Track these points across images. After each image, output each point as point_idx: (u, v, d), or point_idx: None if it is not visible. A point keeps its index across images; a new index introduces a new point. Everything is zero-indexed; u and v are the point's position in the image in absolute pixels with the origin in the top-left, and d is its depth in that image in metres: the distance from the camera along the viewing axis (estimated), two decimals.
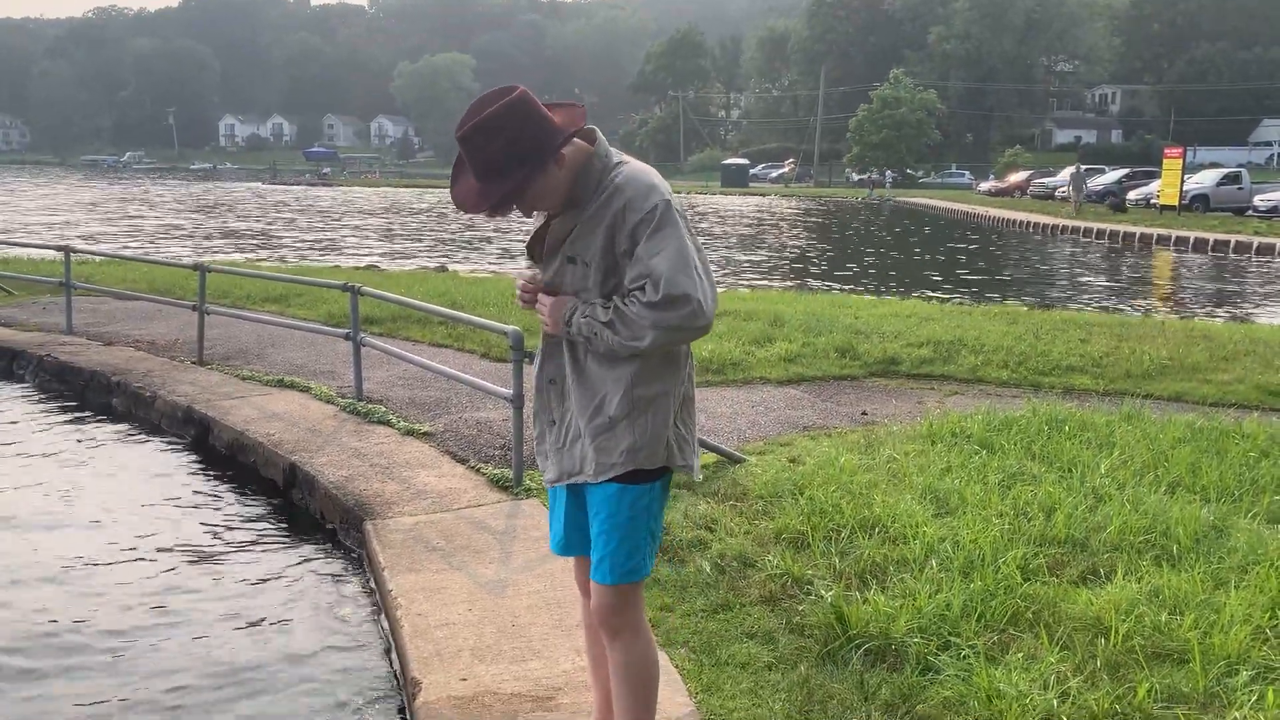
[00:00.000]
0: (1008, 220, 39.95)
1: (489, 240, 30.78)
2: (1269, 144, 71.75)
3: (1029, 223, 37.72)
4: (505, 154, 2.47)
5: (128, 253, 20.71)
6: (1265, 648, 3.48)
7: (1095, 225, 33.47)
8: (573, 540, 2.83)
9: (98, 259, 15.91)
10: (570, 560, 2.97)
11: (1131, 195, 40.70)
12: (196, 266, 9.25)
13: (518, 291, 2.76)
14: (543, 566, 4.44)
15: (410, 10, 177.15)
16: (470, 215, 2.59)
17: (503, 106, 2.46)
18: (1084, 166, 43.20)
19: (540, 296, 2.67)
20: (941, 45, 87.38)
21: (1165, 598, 3.83)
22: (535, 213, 2.69)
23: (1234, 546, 4.32)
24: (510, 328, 5.60)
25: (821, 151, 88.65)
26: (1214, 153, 63.67)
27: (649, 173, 2.60)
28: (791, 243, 31.89)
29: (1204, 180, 39.53)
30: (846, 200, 61.94)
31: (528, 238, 2.79)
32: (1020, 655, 3.44)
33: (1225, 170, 41.55)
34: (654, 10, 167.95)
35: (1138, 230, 31.15)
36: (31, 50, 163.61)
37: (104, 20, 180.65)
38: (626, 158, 2.64)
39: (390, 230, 34.49)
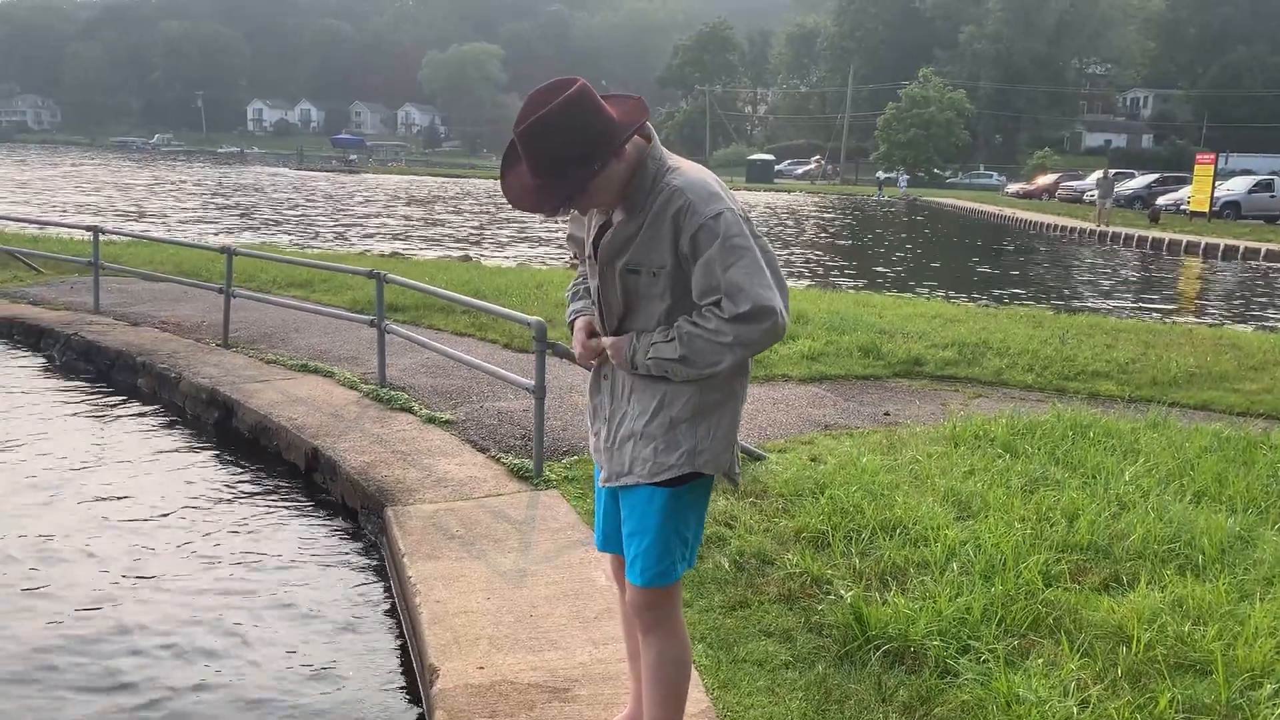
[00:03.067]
0: (1035, 223, 39.67)
1: (516, 231, 30.83)
2: None
3: (1056, 225, 37.44)
4: (567, 151, 2.36)
5: (155, 234, 20.85)
6: None
7: (1123, 230, 33.15)
8: (612, 537, 2.82)
9: (125, 239, 16.03)
10: (605, 556, 2.95)
11: (1161, 200, 40.30)
12: (224, 250, 9.30)
13: (577, 350, 2.71)
14: (561, 557, 4.44)
15: None
16: (523, 211, 2.51)
17: (564, 101, 2.35)
18: (1113, 171, 42.44)
19: (604, 340, 2.63)
20: (972, 45, 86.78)
21: (1189, 608, 3.79)
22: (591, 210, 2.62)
23: (1260, 558, 4.28)
24: (534, 319, 5.60)
25: (848, 149, 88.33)
26: (1246, 159, 62.97)
27: (707, 179, 2.51)
28: (816, 239, 31.79)
29: (1235, 187, 39.13)
30: (862, 198, 61.68)
31: (571, 226, 2.73)
32: (1040, 661, 3.41)
33: (1258, 177, 41.11)
34: (682, 3, 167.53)
35: (1166, 236, 30.85)
36: (63, 31, 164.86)
37: (135, 2, 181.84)
38: (680, 160, 2.56)
39: (415, 218, 34.59)
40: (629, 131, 2.43)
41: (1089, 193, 49.24)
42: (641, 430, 2.59)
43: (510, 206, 2.57)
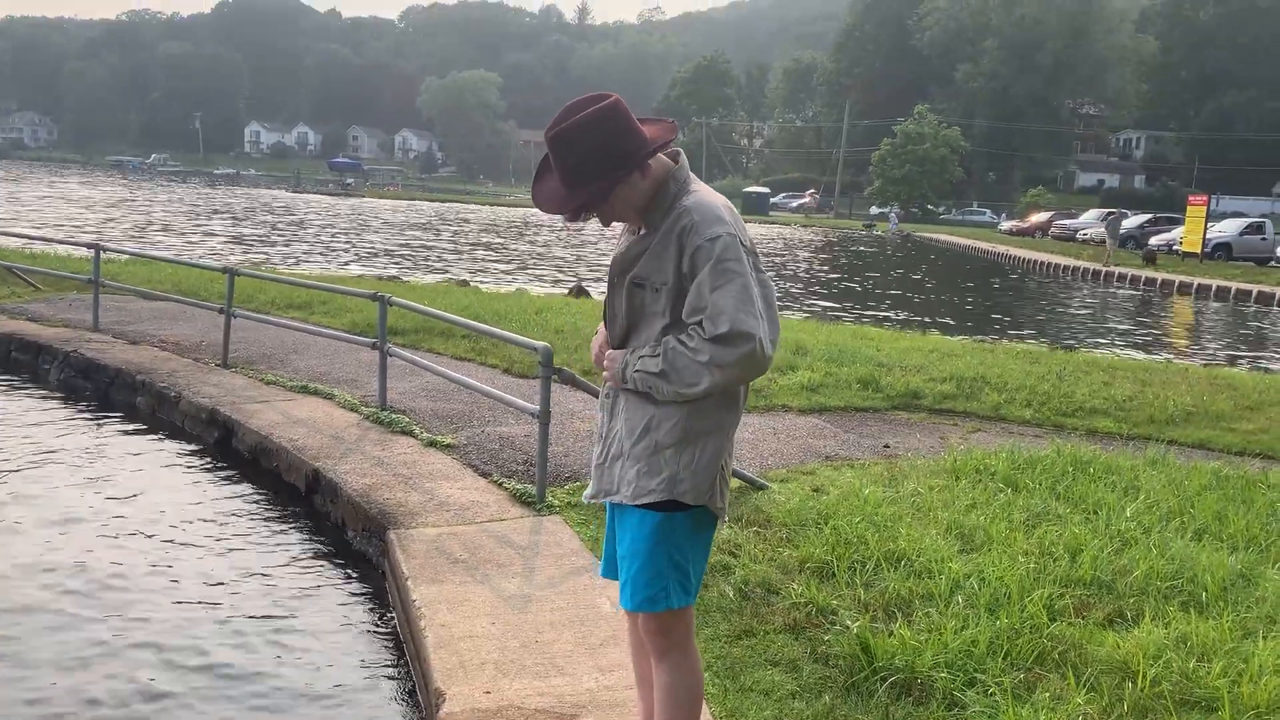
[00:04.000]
0: (1028, 260, 39.91)
1: (514, 258, 30.91)
2: None
3: (1050, 264, 37.67)
4: (593, 160, 2.45)
5: (154, 252, 20.84)
6: None
7: (1116, 270, 33.40)
8: (614, 564, 2.82)
9: (125, 257, 16.03)
10: (612, 581, 2.96)
11: (1153, 241, 40.59)
12: (226, 269, 9.31)
13: (593, 352, 2.77)
14: (566, 583, 4.44)
15: (439, 27, 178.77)
16: (552, 218, 2.62)
17: (595, 112, 2.45)
18: (1117, 211, 42.48)
19: (609, 352, 2.68)
20: (968, 83, 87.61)
21: (1193, 644, 3.80)
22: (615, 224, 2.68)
23: (1262, 596, 4.29)
24: (540, 344, 5.62)
25: (843, 183, 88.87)
26: (1237, 202, 63.59)
27: (718, 203, 2.56)
28: (813, 271, 31.93)
29: (1227, 229, 39.46)
30: (850, 232, 62.00)
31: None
32: (1047, 695, 3.42)
33: (1249, 220, 41.45)
34: (681, 36, 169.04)
35: (1160, 276, 31.08)
36: (64, 49, 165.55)
37: (137, 22, 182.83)
38: (701, 185, 2.61)
39: (412, 243, 34.65)
40: (654, 148, 2.50)
41: (1082, 231, 49.65)
42: (628, 451, 2.62)
43: (545, 213, 2.62)
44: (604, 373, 2.68)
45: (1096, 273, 33.93)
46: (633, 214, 2.57)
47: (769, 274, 2.64)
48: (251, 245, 29.07)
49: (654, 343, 2.56)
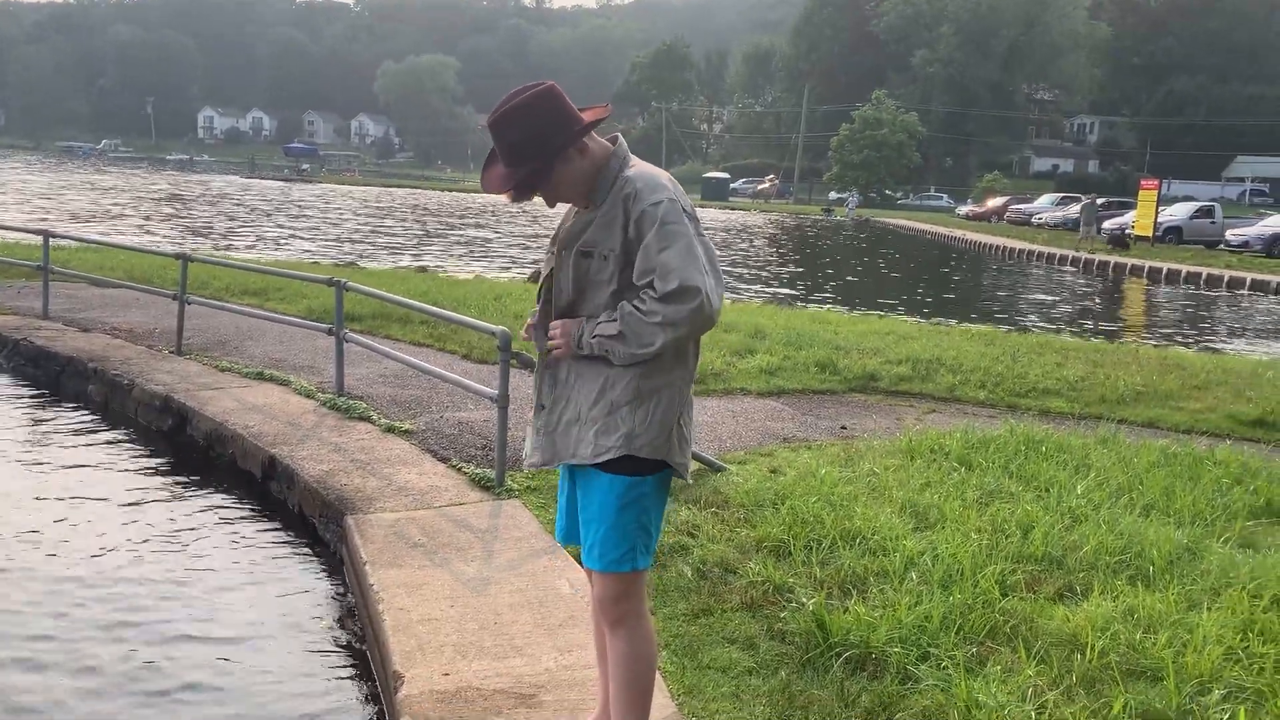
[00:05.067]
0: (984, 245, 40.32)
1: (471, 242, 30.74)
2: (1241, 180, 72.80)
3: (1004, 248, 38.09)
4: (529, 139, 2.58)
5: (106, 238, 20.48)
6: (1237, 668, 3.53)
7: (1069, 253, 33.83)
8: (573, 529, 2.89)
9: (75, 244, 15.75)
10: (570, 562, 2.99)
11: (1106, 225, 41.09)
12: (179, 256, 9.19)
13: (526, 326, 2.85)
14: (525, 566, 4.45)
15: (396, 11, 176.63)
16: (512, 207, 2.71)
17: (531, 95, 2.60)
18: (1086, 198, 41.89)
19: (552, 324, 2.74)
20: (925, 68, 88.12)
21: (1140, 617, 3.89)
22: (559, 204, 2.77)
23: (1207, 569, 4.40)
24: (499, 328, 5.61)
25: (802, 169, 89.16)
26: (1188, 186, 64.60)
27: (658, 172, 2.70)
28: (768, 257, 32.06)
29: (1177, 213, 40.08)
30: (809, 217, 62.22)
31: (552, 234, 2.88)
32: (998, 668, 3.48)
33: (1199, 204, 42.13)
34: (640, 21, 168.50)
35: (1111, 259, 31.52)
36: (10, 34, 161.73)
37: (85, 6, 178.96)
38: (641, 162, 2.74)
39: (368, 229, 34.35)
40: (588, 125, 2.63)
41: (1036, 216, 50.21)
42: (586, 415, 2.70)
43: (489, 194, 2.72)
44: (551, 342, 2.73)
45: (1049, 255, 34.34)
46: (576, 194, 2.70)
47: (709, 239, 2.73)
48: (205, 234, 28.66)
49: (609, 309, 2.65)
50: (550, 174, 2.61)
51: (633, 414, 2.65)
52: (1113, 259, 31.45)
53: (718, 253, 2.71)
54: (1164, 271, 29.01)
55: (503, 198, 2.68)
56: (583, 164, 2.65)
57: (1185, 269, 28.78)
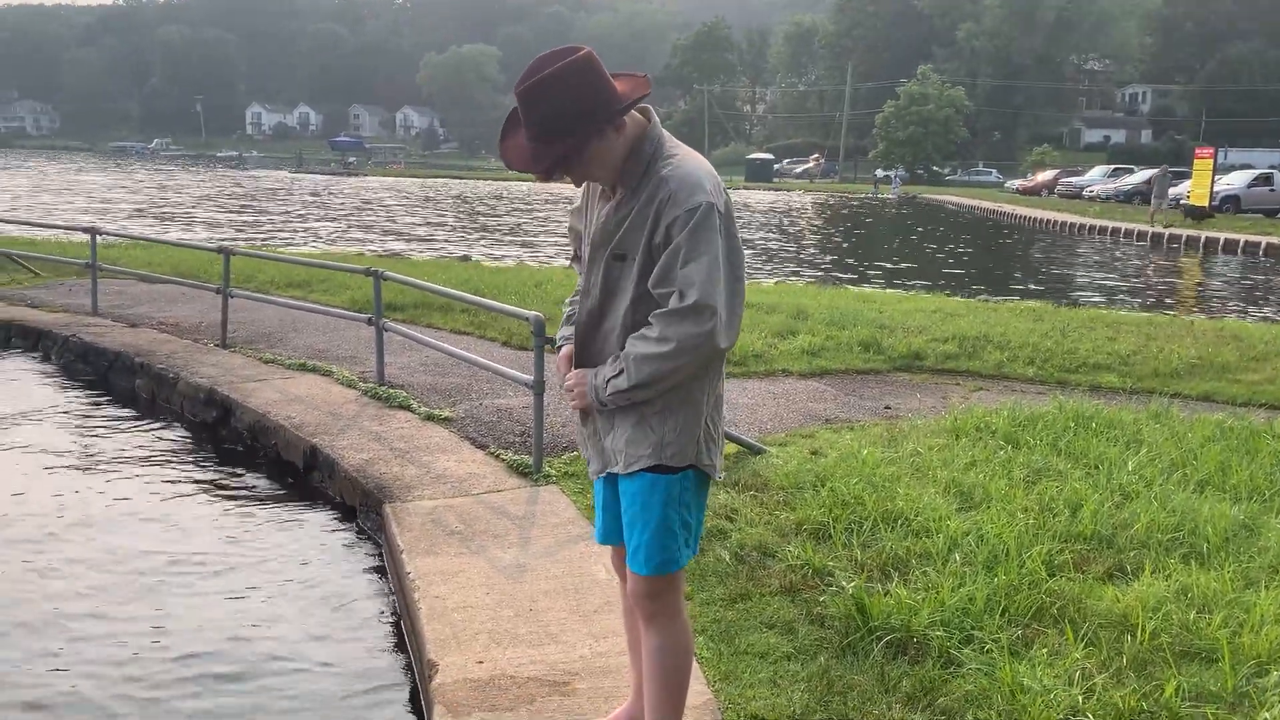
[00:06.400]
0: (1035, 219, 39.61)
1: (514, 230, 30.83)
2: None
3: (1057, 221, 37.40)
4: (565, 113, 2.37)
5: (156, 235, 20.82)
6: None
7: (1124, 225, 33.11)
8: (611, 529, 2.79)
9: (123, 242, 16.00)
10: (605, 548, 2.93)
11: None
12: (221, 250, 9.27)
13: (559, 370, 2.75)
14: (561, 552, 4.41)
15: (437, 2, 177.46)
16: (524, 175, 2.52)
17: (567, 64, 2.37)
18: (1115, 167, 40.64)
19: (568, 375, 2.65)
20: (970, 42, 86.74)
21: (1194, 596, 3.76)
22: (591, 187, 2.62)
23: (1264, 546, 4.25)
24: (532, 313, 5.57)
25: (847, 147, 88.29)
26: (1245, 154, 62.92)
27: (700, 169, 2.48)
28: (815, 235, 31.79)
29: (1235, 181, 39.00)
30: (856, 196, 61.42)
31: (571, 218, 2.74)
32: (1044, 651, 3.38)
33: (1257, 171, 40.99)
34: (680, 3, 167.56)
35: (1167, 231, 30.79)
36: (62, 37, 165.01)
37: (133, 7, 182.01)
38: (681, 148, 2.54)
39: (416, 219, 34.57)
40: (629, 103, 2.43)
41: (1088, 189, 49.19)
42: (618, 424, 2.60)
43: (513, 170, 2.56)
44: (573, 389, 2.63)
45: (1103, 228, 33.63)
46: (607, 173, 2.50)
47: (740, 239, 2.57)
48: (257, 227, 29.03)
49: (613, 358, 2.52)
50: (586, 152, 2.40)
51: (663, 422, 2.54)
52: (1168, 230, 30.67)
53: (745, 258, 2.54)
54: (1220, 241, 28.22)
55: (530, 177, 2.55)
56: (618, 142, 2.44)
57: (1243, 238, 27.84)
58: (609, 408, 2.56)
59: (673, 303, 2.40)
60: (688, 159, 2.50)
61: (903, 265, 23.91)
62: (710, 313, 2.38)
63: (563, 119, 2.37)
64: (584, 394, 2.58)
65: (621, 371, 2.48)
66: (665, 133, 2.55)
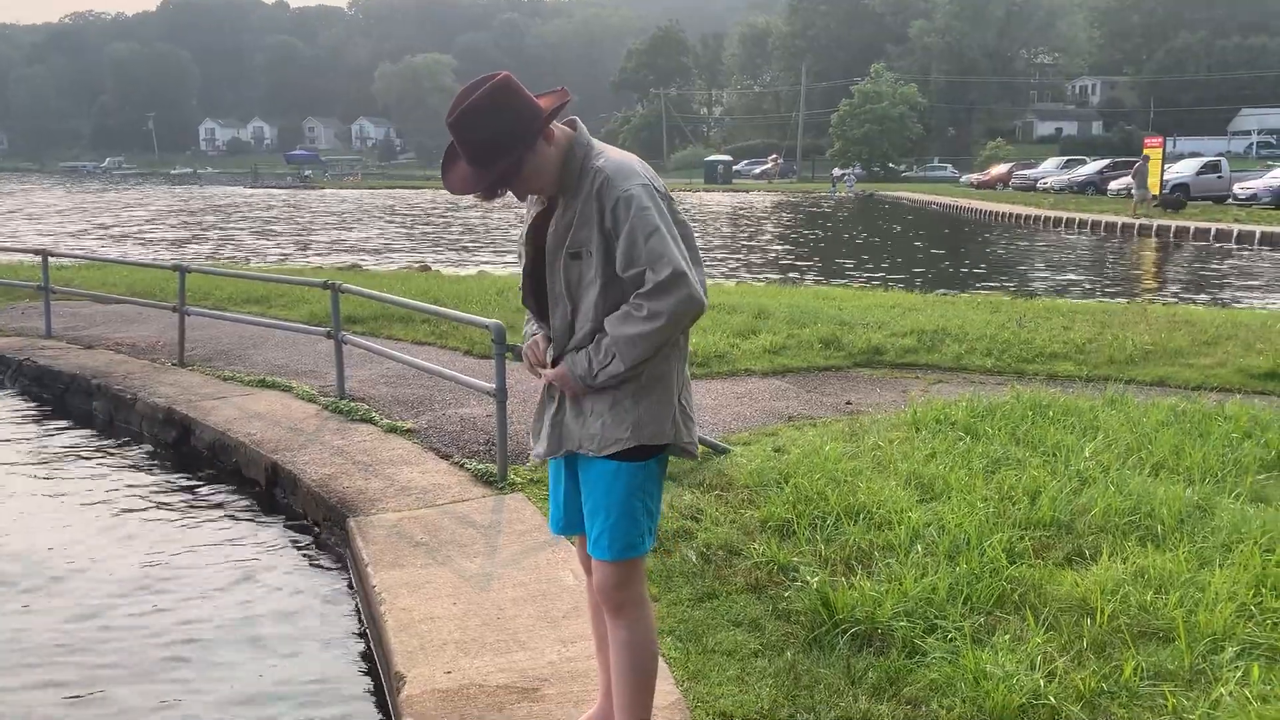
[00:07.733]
0: (990, 212, 40.01)
1: (474, 240, 30.70)
2: (1247, 133, 71.97)
3: (1012, 214, 37.80)
4: (496, 136, 2.51)
5: (111, 255, 20.54)
6: (1250, 624, 3.48)
7: (1077, 215, 33.55)
8: (573, 519, 2.85)
9: (76, 263, 15.79)
10: (573, 552, 2.96)
11: (1112, 186, 40.68)
12: (176, 267, 9.17)
13: (528, 359, 2.80)
14: (528, 559, 4.41)
15: (390, 11, 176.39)
16: (464, 200, 2.62)
17: (488, 90, 2.52)
18: (1068, 158, 40.74)
19: (546, 372, 2.71)
20: (922, 39, 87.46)
21: (1150, 577, 3.83)
22: (530, 197, 2.72)
23: (1218, 526, 4.33)
24: (492, 321, 5.57)
25: (804, 147, 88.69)
26: (1193, 142, 64.05)
27: (630, 159, 2.65)
28: (774, 236, 31.92)
29: (1184, 170, 39.66)
30: (813, 195, 61.73)
31: (523, 227, 2.80)
32: (1007, 637, 3.43)
33: (1205, 159, 41.69)
34: (635, 8, 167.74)
35: (1119, 220, 31.24)
36: (9, 56, 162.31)
37: (81, 25, 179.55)
38: (609, 148, 2.68)
39: (373, 231, 34.35)
40: (551, 112, 2.57)
41: (1041, 180, 49.75)
42: (592, 407, 2.67)
43: (456, 195, 2.66)
44: (557, 384, 2.69)
45: (1058, 219, 34.04)
46: (546, 182, 2.62)
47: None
48: (212, 243, 28.71)
49: (595, 345, 2.59)
50: (521, 169, 2.54)
51: (637, 404, 2.63)
52: (1120, 219, 31.11)
53: (698, 240, 2.67)
54: (1171, 229, 28.65)
55: (471, 198, 2.63)
56: (550, 152, 2.58)
57: (1193, 225, 28.37)
58: (597, 385, 2.62)
59: (649, 279, 2.51)
60: (617, 153, 2.67)
61: (867, 263, 24.08)
62: (685, 278, 2.51)
63: (496, 139, 2.52)
64: (573, 385, 2.64)
65: (614, 356, 2.56)
66: (592, 138, 2.68)
